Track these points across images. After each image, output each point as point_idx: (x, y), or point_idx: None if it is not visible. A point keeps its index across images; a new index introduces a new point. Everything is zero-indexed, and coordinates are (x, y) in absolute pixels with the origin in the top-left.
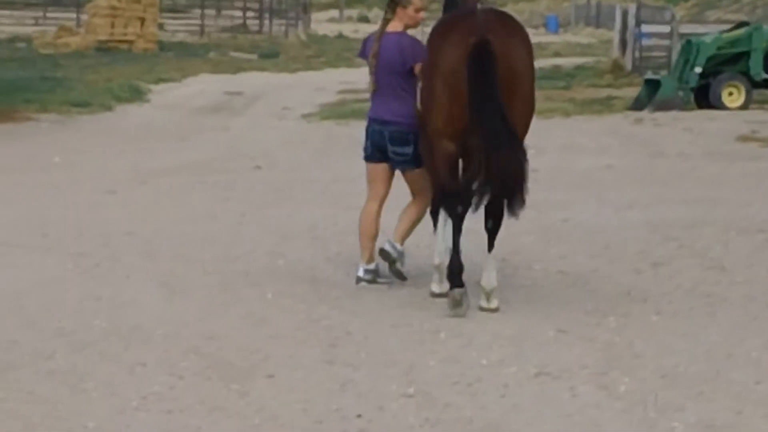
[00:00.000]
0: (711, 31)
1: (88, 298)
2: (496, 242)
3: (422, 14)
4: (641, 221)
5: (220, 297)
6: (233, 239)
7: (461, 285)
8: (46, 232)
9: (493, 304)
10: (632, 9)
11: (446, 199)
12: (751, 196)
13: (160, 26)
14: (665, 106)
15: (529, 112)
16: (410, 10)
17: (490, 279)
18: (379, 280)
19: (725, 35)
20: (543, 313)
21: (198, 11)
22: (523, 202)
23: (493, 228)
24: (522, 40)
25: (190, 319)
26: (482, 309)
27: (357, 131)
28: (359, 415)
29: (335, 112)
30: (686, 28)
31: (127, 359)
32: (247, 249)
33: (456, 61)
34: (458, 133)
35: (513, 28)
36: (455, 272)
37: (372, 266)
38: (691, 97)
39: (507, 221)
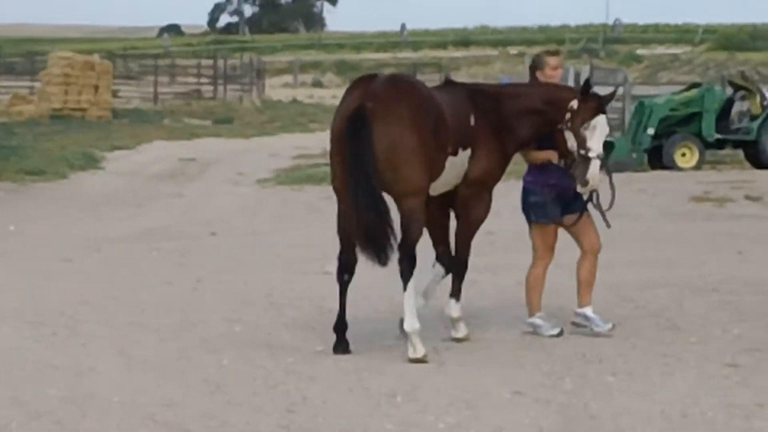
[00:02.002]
0: (663, 92)
1: (45, 366)
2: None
3: (558, 71)
4: (597, 282)
5: (177, 364)
6: (189, 306)
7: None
8: (1, 301)
9: (419, 352)
10: (585, 71)
11: (338, 262)
12: (706, 256)
13: (114, 93)
14: (619, 168)
15: (414, 173)
16: (547, 71)
17: (408, 323)
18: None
19: (677, 97)
20: (499, 376)
21: (152, 78)
22: (386, 256)
23: (401, 272)
24: (408, 106)
25: (147, 386)
26: (411, 360)
27: (312, 196)
28: None
29: (290, 177)
30: (639, 90)
31: (84, 428)
32: (203, 315)
33: (340, 125)
34: None
35: (403, 95)
36: (339, 330)
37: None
38: (645, 158)
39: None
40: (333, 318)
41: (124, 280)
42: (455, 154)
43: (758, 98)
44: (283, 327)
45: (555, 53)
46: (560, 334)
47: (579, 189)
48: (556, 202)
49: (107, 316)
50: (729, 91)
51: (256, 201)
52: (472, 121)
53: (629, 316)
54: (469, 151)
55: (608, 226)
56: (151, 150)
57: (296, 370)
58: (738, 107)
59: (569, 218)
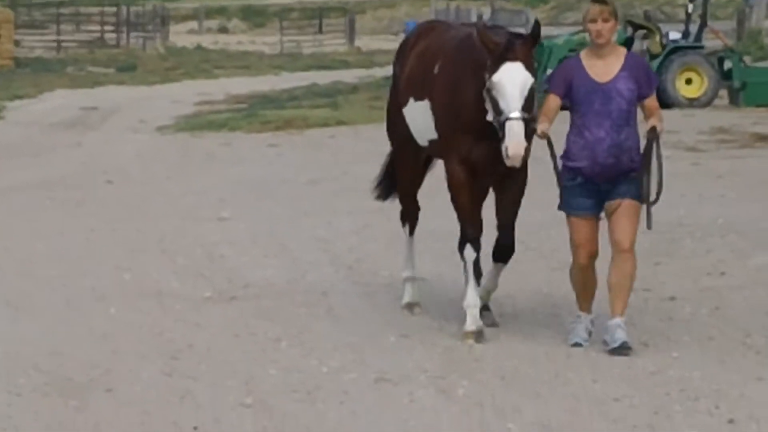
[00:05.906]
0: (564, 32)
1: None
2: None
3: (601, 26)
4: (488, 224)
5: (64, 313)
6: (81, 255)
7: None
8: None
9: None
10: (488, 12)
11: None
12: None
13: (17, 42)
14: None
15: None
16: (586, 24)
17: None
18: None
19: (576, 37)
20: (386, 319)
21: (55, 26)
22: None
23: None
24: None
25: (33, 336)
26: None
27: (211, 143)
28: (195, 428)
29: (190, 123)
30: (543, 31)
31: None
32: (94, 265)
33: None
34: None
35: None
36: None
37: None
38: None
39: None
40: (224, 264)
41: (16, 231)
42: (405, 104)
43: (658, 37)
44: (173, 274)
45: (599, 1)
46: (576, 345)
47: (507, 162)
48: (581, 190)
49: None
50: (629, 31)
51: (155, 149)
52: (436, 69)
53: (520, 259)
54: (426, 102)
55: (649, 226)
56: (53, 99)
57: (183, 318)
58: (638, 47)
59: (610, 205)
